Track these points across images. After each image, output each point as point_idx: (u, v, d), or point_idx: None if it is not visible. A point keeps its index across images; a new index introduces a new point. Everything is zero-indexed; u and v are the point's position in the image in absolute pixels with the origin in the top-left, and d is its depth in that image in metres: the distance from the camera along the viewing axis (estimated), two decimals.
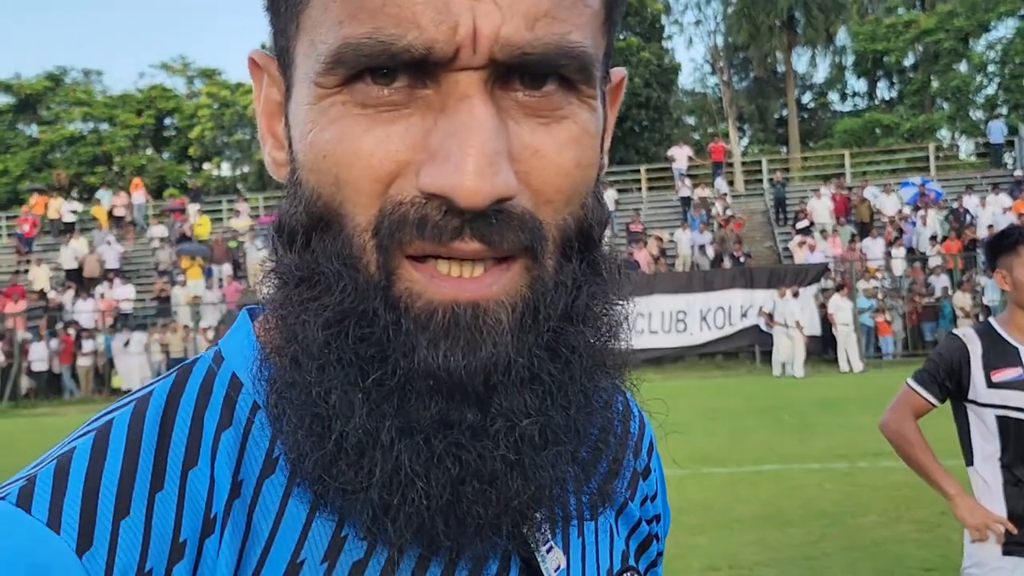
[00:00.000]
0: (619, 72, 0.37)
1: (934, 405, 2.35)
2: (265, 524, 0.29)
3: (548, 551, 0.34)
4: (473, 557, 0.30)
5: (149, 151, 32.76)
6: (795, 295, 14.51)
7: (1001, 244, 2.39)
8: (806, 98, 35.53)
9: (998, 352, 2.24)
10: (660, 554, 0.47)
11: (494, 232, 0.26)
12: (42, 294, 19.04)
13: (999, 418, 2.22)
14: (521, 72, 0.26)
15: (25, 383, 16.85)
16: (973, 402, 2.27)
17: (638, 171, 23.41)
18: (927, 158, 22.88)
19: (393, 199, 0.26)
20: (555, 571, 0.34)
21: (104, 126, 31.52)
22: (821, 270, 15.97)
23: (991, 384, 2.23)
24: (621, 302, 0.33)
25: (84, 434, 0.30)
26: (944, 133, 29.35)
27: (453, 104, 0.25)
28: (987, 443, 2.26)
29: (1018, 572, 2.18)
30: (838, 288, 15.12)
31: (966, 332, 2.42)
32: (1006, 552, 2.18)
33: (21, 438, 10.32)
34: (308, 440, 0.27)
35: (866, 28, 30.29)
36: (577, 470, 0.31)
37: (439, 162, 0.25)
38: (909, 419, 2.35)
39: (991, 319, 2.48)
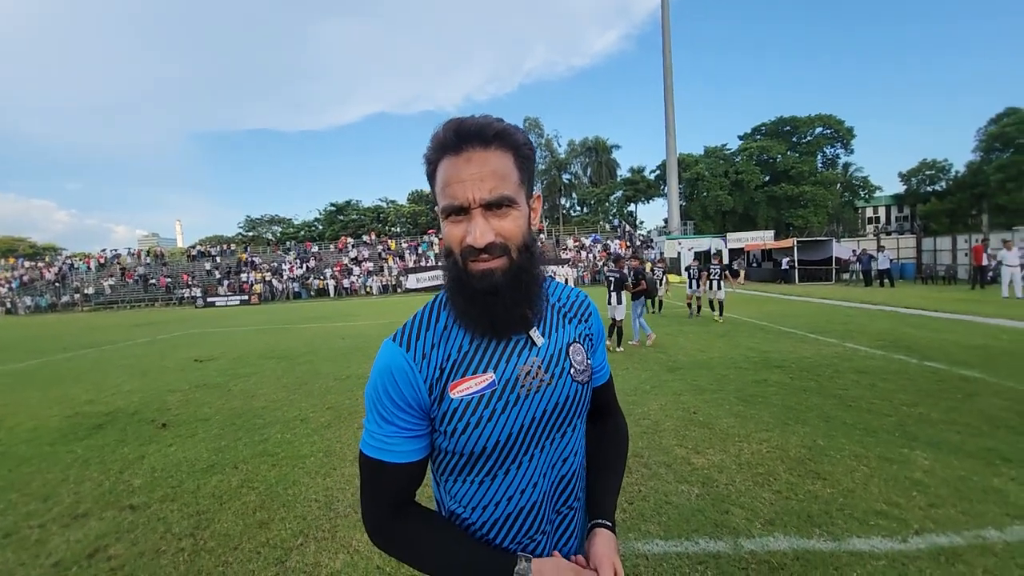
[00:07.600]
0: (536, 193, 0.93)
1: None
2: (449, 332, 0.89)
3: (535, 333, 0.92)
4: (512, 338, 0.90)
5: None
6: None
7: None
8: None
9: None
10: (597, 342, 1.05)
11: (490, 251, 0.79)
12: None
13: None
14: (489, 205, 0.79)
15: None
16: None
17: None
18: None
19: (464, 245, 0.80)
20: (539, 341, 0.92)
21: None
22: None
23: None
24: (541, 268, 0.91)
25: (423, 306, 0.94)
26: None
27: (473, 218, 0.79)
28: None
29: None
30: None
31: None
32: None
33: None
34: (457, 307, 0.87)
35: None
36: (529, 312, 0.89)
37: (471, 235, 0.79)
38: None
39: None
